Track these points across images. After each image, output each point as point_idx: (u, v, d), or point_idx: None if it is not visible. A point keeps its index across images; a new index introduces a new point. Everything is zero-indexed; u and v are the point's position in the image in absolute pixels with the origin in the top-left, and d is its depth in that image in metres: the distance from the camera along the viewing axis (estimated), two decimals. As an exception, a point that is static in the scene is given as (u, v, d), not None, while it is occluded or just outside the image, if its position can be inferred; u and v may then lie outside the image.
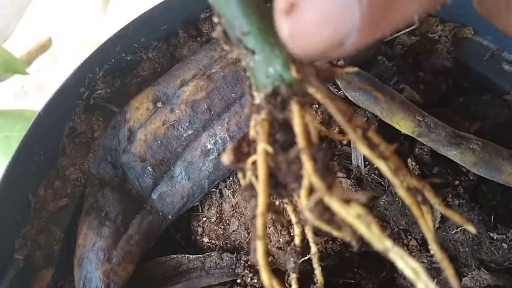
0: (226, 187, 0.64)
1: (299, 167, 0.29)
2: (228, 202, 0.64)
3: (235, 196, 0.63)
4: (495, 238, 0.61)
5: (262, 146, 0.29)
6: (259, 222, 0.29)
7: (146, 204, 0.64)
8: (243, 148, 0.32)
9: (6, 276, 0.58)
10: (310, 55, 0.27)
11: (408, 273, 0.25)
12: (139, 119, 0.65)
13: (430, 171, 0.66)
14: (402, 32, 0.72)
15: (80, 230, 0.61)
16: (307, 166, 0.27)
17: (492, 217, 0.63)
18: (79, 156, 0.66)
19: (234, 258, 0.62)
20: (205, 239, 0.65)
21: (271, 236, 0.60)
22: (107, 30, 0.67)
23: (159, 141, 0.64)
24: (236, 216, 0.63)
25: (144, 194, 0.64)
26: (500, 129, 0.75)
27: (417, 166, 0.65)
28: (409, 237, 0.65)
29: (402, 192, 0.30)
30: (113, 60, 0.66)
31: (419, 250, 0.64)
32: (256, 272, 0.59)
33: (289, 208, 0.38)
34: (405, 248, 0.65)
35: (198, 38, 0.70)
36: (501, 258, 0.61)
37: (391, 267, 0.69)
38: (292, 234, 0.60)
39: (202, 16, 0.70)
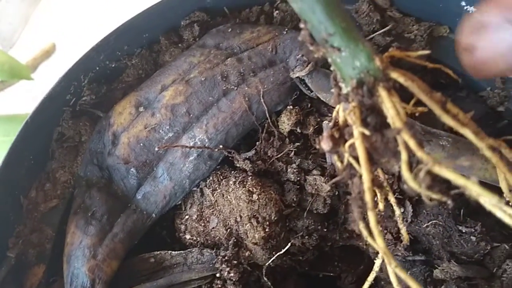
0: (206, 186, 0.68)
1: (394, 144, 0.32)
2: (208, 201, 0.67)
3: (214, 194, 0.66)
4: (463, 231, 0.63)
5: (359, 130, 0.33)
6: (368, 196, 0.33)
7: (131, 204, 0.68)
8: (334, 134, 0.36)
9: (-2, 273, 0.62)
10: (482, 78, 0.35)
11: (507, 220, 0.30)
12: (122, 124, 0.68)
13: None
14: (377, 33, 0.74)
15: (69, 229, 0.65)
16: (411, 143, 0.31)
17: (462, 211, 0.64)
18: (67, 160, 0.69)
19: (213, 254, 0.65)
20: (188, 236, 0.68)
21: (248, 232, 0.63)
22: (112, 28, 0.69)
23: (141, 144, 0.67)
24: (215, 214, 0.66)
25: (129, 194, 0.68)
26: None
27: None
28: (385, 231, 0.67)
29: (488, 153, 0.34)
30: (97, 68, 0.69)
31: (394, 244, 0.66)
32: (233, 267, 0.62)
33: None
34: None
35: (179, 44, 0.74)
36: (470, 250, 0.63)
37: (369, 260, 0.72)
38: (267, 230, 0.63)
39: (182, 23, 0.73)
